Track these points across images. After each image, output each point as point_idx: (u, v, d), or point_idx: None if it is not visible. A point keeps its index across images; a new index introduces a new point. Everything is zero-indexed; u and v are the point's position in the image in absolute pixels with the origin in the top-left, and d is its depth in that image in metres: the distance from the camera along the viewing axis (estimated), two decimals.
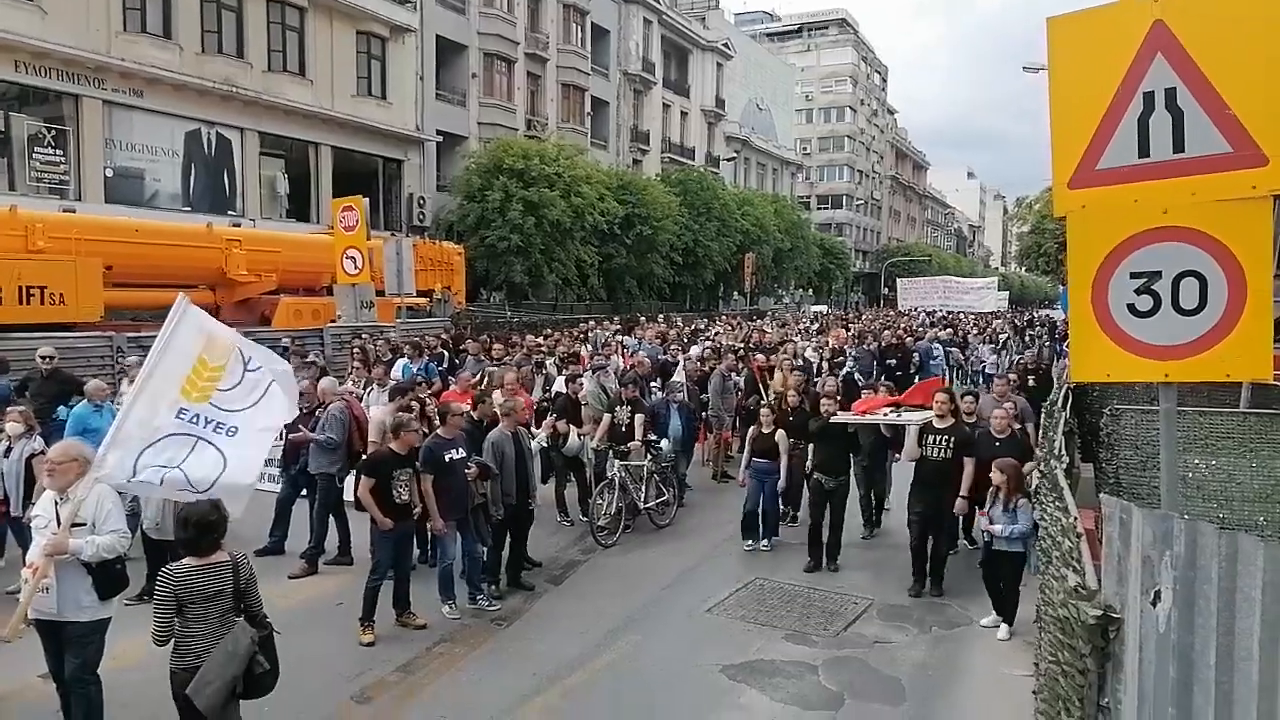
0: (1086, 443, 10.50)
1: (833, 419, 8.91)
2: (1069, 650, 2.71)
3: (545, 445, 9.03)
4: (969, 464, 7.74)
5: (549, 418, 9.76)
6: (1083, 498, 5.87)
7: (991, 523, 7.01)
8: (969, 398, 9.43)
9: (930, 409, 8.42)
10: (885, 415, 9.09)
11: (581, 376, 11.43)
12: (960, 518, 8.39)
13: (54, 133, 21.49)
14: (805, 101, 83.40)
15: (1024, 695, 5.67)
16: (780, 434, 9.30)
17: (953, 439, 7.88)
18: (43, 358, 10.50)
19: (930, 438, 7.99)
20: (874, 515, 10.09)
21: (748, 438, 9.73)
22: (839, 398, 9.77)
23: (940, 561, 8.09)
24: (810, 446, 9.06)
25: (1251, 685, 1.97)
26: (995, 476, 7.03)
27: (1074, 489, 5.17)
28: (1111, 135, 3.60)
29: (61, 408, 9.74)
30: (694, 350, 17.36)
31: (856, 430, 9.25)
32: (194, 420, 5.56)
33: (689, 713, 5.91)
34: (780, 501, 9.75)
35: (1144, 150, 3.55)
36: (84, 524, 5.01)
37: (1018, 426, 8.46)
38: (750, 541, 9.41)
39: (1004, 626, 7.13)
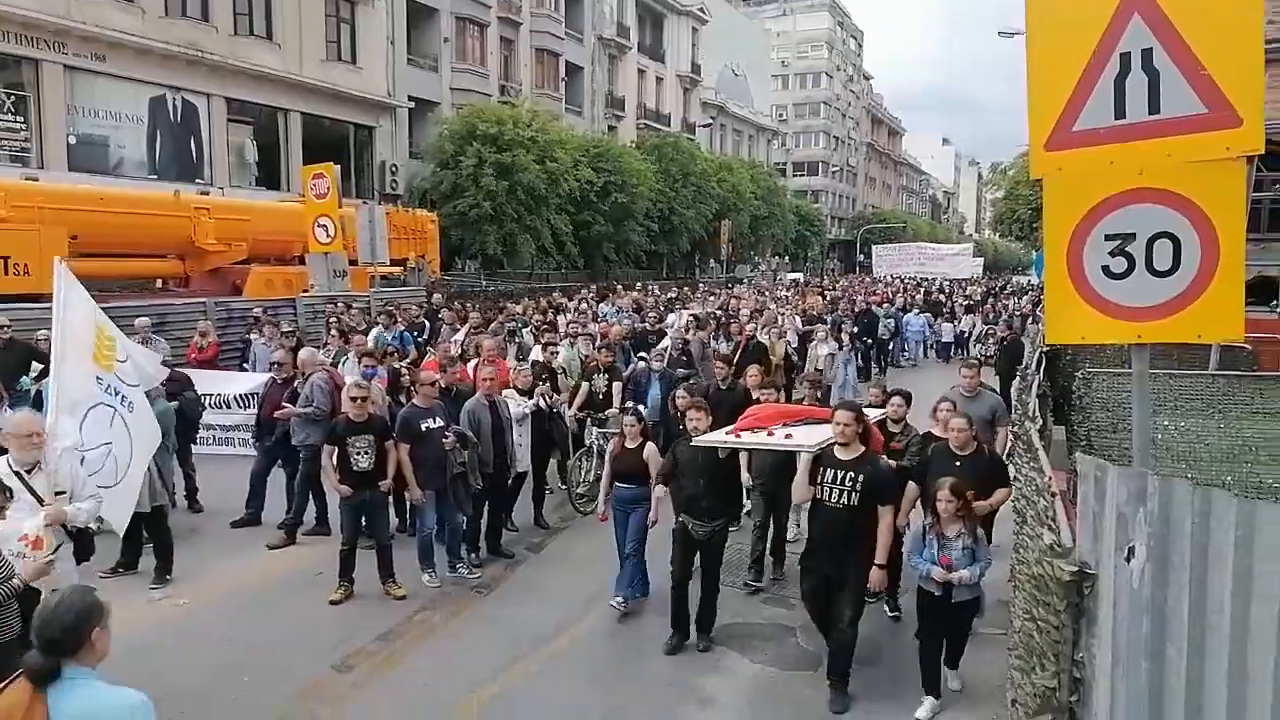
0: (1059, 405, 10.64)
1: (697, 440, 6.34)
2: (1044, 607, 2.75)
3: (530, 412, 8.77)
4: (885, 516, 5.45)
5: (543, 384, 9.52)
6: (1054, 460, 5.94)
7: (951, 569, 5.26)
8: (897, 400, 7.17)
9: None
10: (769, 435, 6.26)
11: (559, 345, 11.38)
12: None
13: (14, 99, 20.93)
14: (781, 67, 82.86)
15: (998, 651, 5.77)
16: (650, 450, 6.94)
17: (860, 478, 5.40)
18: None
19: (829, 473, 5.49)
20: (764, 556, 7.59)
21: (608, 454, 7.45)
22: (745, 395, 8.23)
23: (843, 648, 5.58)
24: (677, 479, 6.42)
25: (1223, 637, 2.01)
26: (943, 504, 5.30)
27: (1046, 451, 5.23)
28: (1088, 97, 3.60)
29: (25, 378, 9.57)
30: (670, 318, 17.36)
31: (738, 454, 6.79)
32: (109, 390, 5.72)
33: (670, 677, 5.97)
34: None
35: (1120, 111, 3.55)
36: (64, 492, 5.06)
37: (973, 429, 6.35)
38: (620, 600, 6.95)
39: (952, 674, 5.76)
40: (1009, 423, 7.79)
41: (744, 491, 7.49)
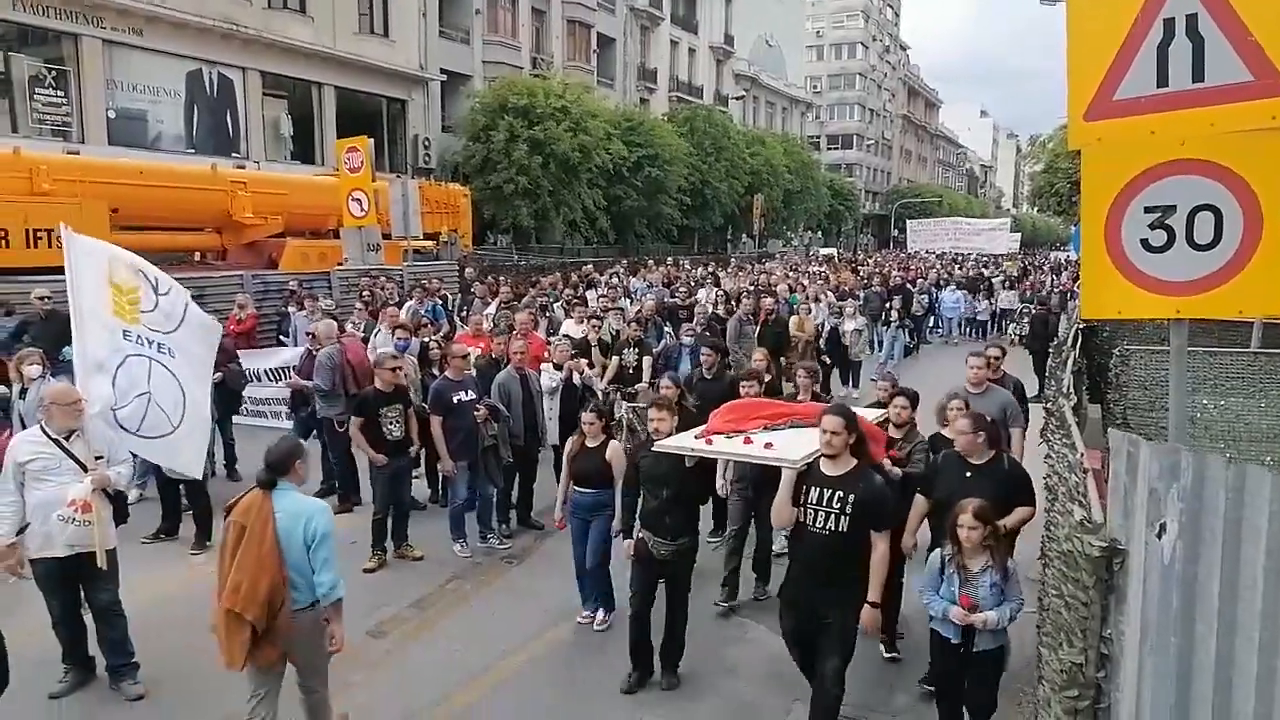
0: (1095, 383, 10.50)
1: (659, 445, 5.41)
2: (1072, 583, 2.74)
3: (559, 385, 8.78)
4: (880, 544, 4.49)
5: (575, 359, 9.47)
6: (1089, 439, 5.86)
7: (975, 609, 4.35)
8: (900, 401, 6.16)
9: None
10: (746, 442, 5.18)
11: (606, 316, 11.41)
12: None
13: (54, 73, 21.25)
14: (816, 38, 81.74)
15: (1027, 629, 5.74)
16: (613, 449, 6.14)
17: (851, 498, 4.43)
18: (40, 298, 10.43)
19: (813, 492, 4.53)
20: (738, 572, 6.77)
21: (565, 454, 6.51)
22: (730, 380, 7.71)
23: (828, 713, 4.58)
24: (642, 491, 5.60)
25: (1255, 613, 1.99)
26: (965, 530, 4.37)
27: (1081, 429, 5.13)
28: (1129, 65, 3.51)
29: (66, 348, 9.78)
30: (700, 294, 17.31)
31: (707, 462, 5.64)
32: (139, 341, 5.78)
33: (696, 647, 5.99)
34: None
35: (1163, 80, 3.46)
36: (102, 457, 5.25)
37: (986, 430, 5.31)
38: (588, 610, 6.42)
39: None
40: (1024, 424, 6.99)
41: (712, 500, 6.77)
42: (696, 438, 5.34)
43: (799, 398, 7.10)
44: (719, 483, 6.62)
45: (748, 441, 5.15)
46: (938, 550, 4.57)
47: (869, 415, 5.73)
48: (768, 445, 5.03)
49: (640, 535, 5.52)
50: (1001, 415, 6.63)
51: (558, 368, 8.82)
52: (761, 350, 8.76)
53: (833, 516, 4.46)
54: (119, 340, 5.71)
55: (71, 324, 5.60)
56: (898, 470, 5.60)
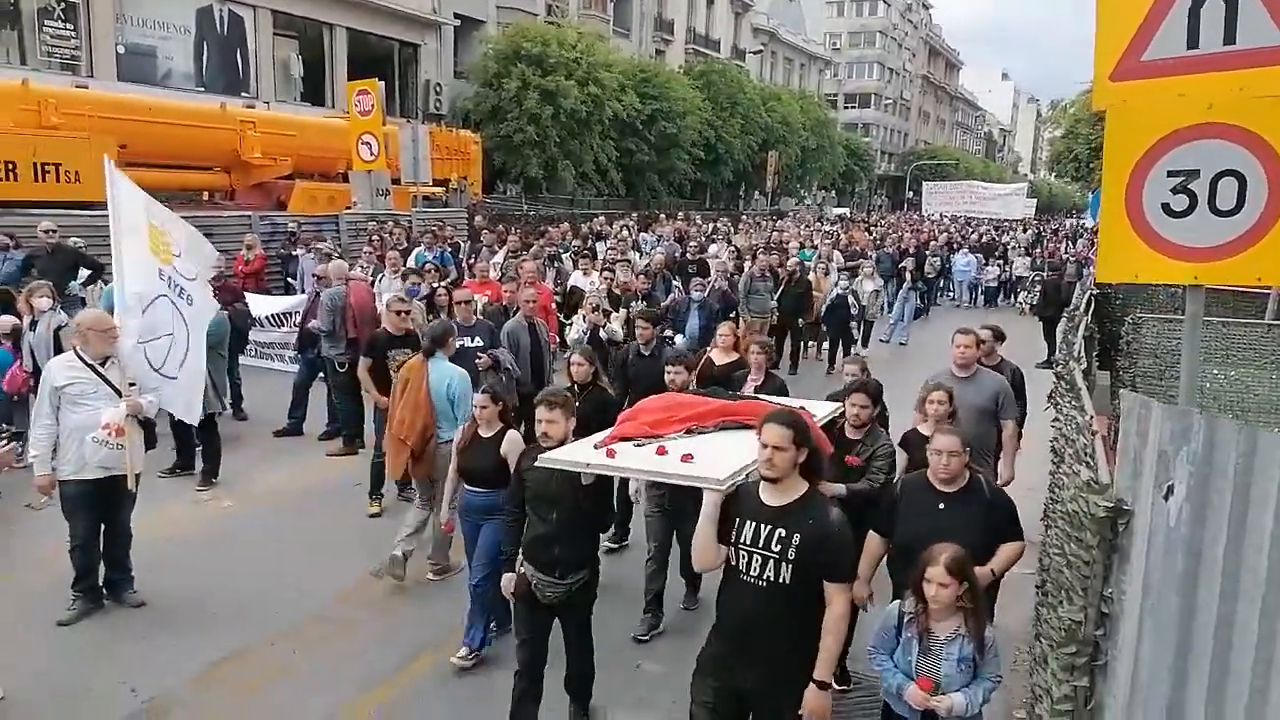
0: (1105, 350, 10.47)
1: (544, 459, 4.04)
2: (1076, 542, 2.75)
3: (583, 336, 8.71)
4: (836, 600, 3.28)
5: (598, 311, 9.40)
6: (1097, 405, 5.84)
7: (940, 689, 3.35)
8: (859, 399, 4.88)
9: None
10: (660, 454, 3.89)
11: (614, 269, 11.40)
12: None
13: (64, 6, 20.97)
14: None
15: (1027, 592, 5.79)
16: (511, 440, 4.95)
17: (796, 538, 3.25)
18: (46, 231, 10.47)
19: (748, 527, 3.34)
20: (662, 594, 5.66)
21: (454, 444, 5.37)
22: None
23: None
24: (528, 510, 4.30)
25: (1259, 578, 1.99)
26: (935, 586, 3.33)
27: (1090, 395, 5.10)
28: (1160, 25, 3.44)
29: (73, 282, 9.83)
30: (712, 249, 17.24)
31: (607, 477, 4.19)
32: (169, 283, 6.01)
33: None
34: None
35: (1193, 41, 3.39)
36: (135, 384, 5.45)
37: (968, 450, 4.12)
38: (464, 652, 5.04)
39: None
40: (1017, 415, 5.87)
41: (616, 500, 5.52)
42: (596, 447, 4.06)
43: (750, 378, 6.00)
44: (631, 488, 5.72)
45: (661, 452, 3.90)
46: (896, 602, 3.56)
47: (816, 412, 4.64)
48: (686, 458, 3.78)
49: (522, 569, 4.26)
50: (992, 404, 5.73)
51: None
52: (728, 325, 7.45)
53: (771, 562, 3.28)
54: (154, 278, 5.90)
55: (112, 255, 5.83)
56: (840, 488, 4.63)
